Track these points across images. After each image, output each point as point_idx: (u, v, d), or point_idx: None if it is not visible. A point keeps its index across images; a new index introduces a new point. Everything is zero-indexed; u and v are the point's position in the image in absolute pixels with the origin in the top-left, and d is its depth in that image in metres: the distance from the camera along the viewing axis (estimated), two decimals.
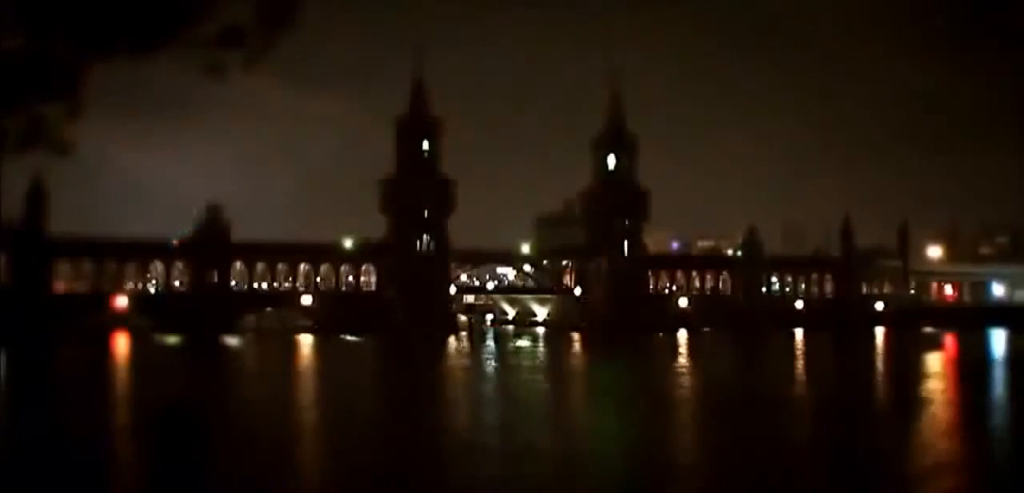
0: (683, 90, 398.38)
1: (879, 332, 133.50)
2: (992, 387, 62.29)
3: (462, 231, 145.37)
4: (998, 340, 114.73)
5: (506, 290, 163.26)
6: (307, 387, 62.11)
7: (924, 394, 54.74)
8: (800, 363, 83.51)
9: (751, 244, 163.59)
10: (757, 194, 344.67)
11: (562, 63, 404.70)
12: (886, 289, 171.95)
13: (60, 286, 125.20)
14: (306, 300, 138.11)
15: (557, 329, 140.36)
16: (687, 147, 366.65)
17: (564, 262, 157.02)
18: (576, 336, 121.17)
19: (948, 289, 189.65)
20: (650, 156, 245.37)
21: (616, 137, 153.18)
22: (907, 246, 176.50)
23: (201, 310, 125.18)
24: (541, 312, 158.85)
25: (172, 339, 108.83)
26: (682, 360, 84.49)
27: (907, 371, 70.39)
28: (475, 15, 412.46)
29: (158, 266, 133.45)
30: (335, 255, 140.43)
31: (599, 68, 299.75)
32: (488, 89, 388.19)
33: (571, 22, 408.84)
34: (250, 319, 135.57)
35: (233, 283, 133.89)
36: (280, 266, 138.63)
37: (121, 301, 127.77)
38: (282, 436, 37.57)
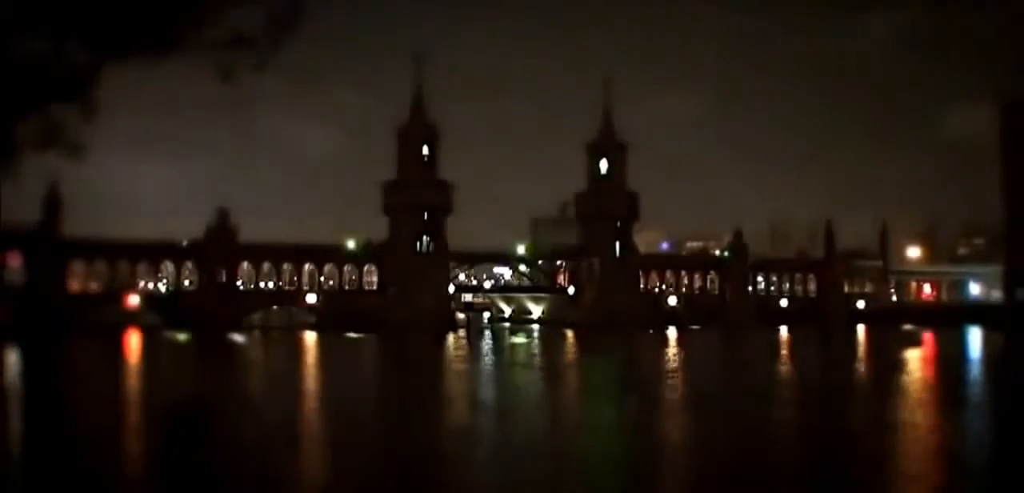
0: (676, 93, 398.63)
1: (860, 329, 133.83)
2: (967, 378, 62.66)
3: (460, 232, 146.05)
4: (974, 338, 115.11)
5: (503, 289, 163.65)
6: (310, 381, 62.37)
7: (902, 382, 55.15)
8: (783, 357, 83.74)
9: (737, 245, 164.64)
10: (745, 195, 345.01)
11: (556, 69, 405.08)
12: (867, 288, 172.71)
13: (74, 285, 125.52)
14: (310, 299, 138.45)
15: (552, 326, 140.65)
16: (680, 149, 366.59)
17: (558, 262, 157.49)
18: (570, 333, 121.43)
19: (927, 288, 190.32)
20: (644, 158, 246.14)
21: (608, 142, 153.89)
22: (887, 246, 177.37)
23: (209, 308, 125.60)
24: (536, 310, 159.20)
25: (182, 336, 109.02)
26: (670, 354, 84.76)
27: (886, 363, 70.71)
28: (473, 20, 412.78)
29: (169, 266, 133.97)
30: (338, 255, 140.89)
31: (592, 74, 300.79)
32: (485, 93, 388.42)
33: (566, 29, 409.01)
34: (256, 317, 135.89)
35: (240, 282, 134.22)
36: (285, 266, 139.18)
37: (133, 300, 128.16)
38: (284, 429, 37.83)
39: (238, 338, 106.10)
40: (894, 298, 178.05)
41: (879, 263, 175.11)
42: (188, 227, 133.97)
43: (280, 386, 56.59)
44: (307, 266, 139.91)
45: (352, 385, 57.65)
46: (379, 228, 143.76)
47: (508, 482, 27.63)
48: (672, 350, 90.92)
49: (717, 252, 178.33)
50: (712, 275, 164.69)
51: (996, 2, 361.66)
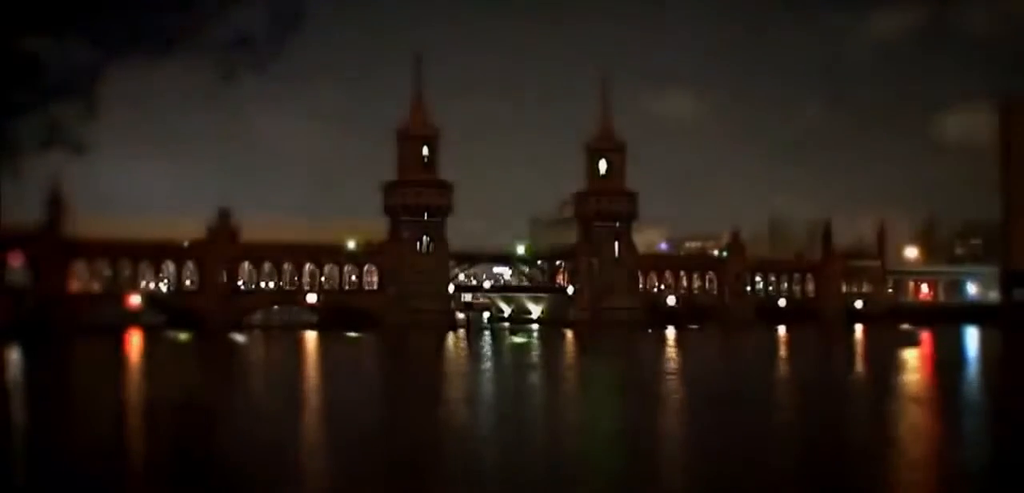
0: (676, 93, 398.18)
1: (858, 329, 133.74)
2: (965, 378, 62.69)
3: (460, 232, 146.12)
4: (971, 337, 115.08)
5: (502, 289, 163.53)
6: (311, 382, 62.33)
7: (900, 383, 55.13)
8: (781, 358, 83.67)
9: (735, 245, 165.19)
10: (744, 195, 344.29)
11: (556, 69, 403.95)
12: (865, 288, 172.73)
13: (76, 285, 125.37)
14: (311, 298, 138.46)
15: (551, 326, 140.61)
16: (679, 149, 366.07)
17: (557, 262, 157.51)
18: (569, 333, 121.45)
19: (924, 288, 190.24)
20: (643, 158, 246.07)
21: (607, 142, 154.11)
22: (885, 246, 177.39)
23: (211, 308, 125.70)
24: (536, 309, 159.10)
25: (183, 336, 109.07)
26: (669, 355, 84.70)
27: (884, 363, 70.65)
28: (473, 20, 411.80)
29: (170, 266, 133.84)
30: (338, 255, 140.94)
31: (592, 73, 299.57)
32: (485, 93, 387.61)
33: (566, 29, 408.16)
34: (257, 316, 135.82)
35: (241, 282, 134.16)
36: (286, 266, 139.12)
37: (135, 299, 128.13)
38: (285, 429, 37.82)
39: (239, 338, 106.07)
40: (891, 296, 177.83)
41: (877, 263, 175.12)
42: (189, 227, 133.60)
43: (280, 387, 56.52)
44: (307, 266, 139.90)
45: (352, 386, 57.60)
46: (379, 228, 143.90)
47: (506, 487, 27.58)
48: (671, 350, 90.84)
49: (716, 252, 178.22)
50: (710, 275, 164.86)
51: (996, 2, 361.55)
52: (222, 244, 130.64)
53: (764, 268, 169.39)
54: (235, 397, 49.90)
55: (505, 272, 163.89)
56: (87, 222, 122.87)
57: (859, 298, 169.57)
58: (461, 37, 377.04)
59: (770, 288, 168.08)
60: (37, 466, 29.65)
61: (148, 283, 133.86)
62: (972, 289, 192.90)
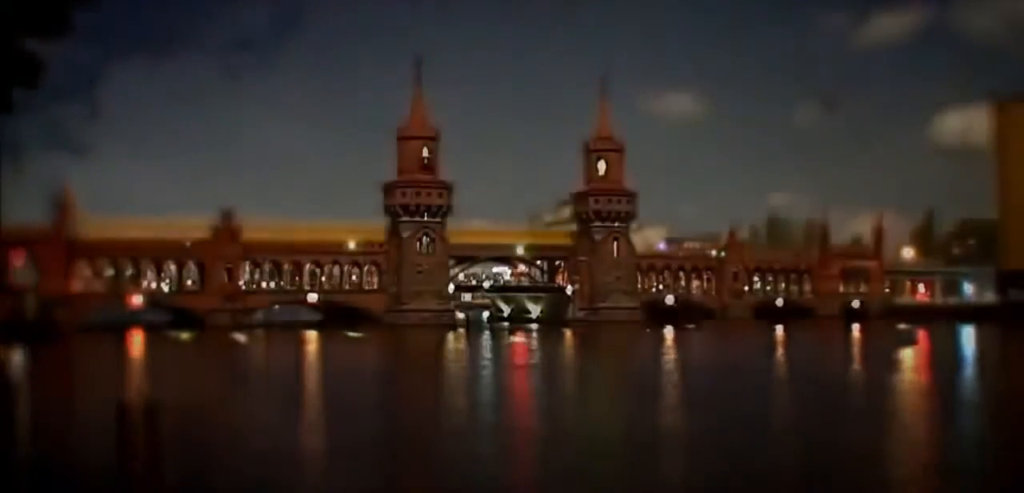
0: (675, 93, 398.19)
1: (856, 328, 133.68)
2: (963, 376, 62.67)
3: (459, 232, 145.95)
4: (968, 336, 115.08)
5: (502, 289, 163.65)
6: (313, 380, 62.35)
7: (898, 382, 55.10)
8: (779, 357, 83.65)
9: (733, 245, 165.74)
10: (743, 194, 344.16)
11: (556, 69, 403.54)
12: (862, 288, 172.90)
13: (78, 285, 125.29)
14: (311, 298, 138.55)
15: (550, 326, 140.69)
16: (678, 149, 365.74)
17: (556, 262, 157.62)
18: (568, 333, 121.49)
19: (921, 288, 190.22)
20: (642, 158, 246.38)
21: (606, 141, 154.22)
22: (882, 246, 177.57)
23: (212, 307, 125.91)
24: (535, 309, 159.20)
25: (184, 335, 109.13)
26: (667, 354, 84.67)
27: (882, 362, 70.63)
28: (471, 22, 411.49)
29: (171, 266, 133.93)
30: (339, 255, 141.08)
31: (592, 73, 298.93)
32: (485, 93, 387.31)
33: (565, 29, 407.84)
34: (258, 315, 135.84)
35: (242, 282, 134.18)
36: (286, 266, 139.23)
37: (137, 299, 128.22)
38: (286, 429, 37.78)
39: (240, 337, 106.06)
40: (888, 296, 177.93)
41: (874, 263, 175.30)
42: (190, 227, 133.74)
43: (281, 387, 56.53)
44: (308, 266, 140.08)
45: (353, 386, 57.58)
46: (379, 228, 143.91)
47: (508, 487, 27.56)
48: (669, 350, 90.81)
49: (714, 252, 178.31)
50: (709, 275, 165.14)
51: (995, 3, 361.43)
52: (223, 244, 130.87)
53: (762, 268, 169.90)
54: (236, 397, 49.83)
55: (505, 272, 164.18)
56: (89, 222, 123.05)
57: (856, 297, 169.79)
58: (461, 37, 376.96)
59: (768, 288, 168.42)
60: (35, 466, 29.51)
61: (150, 283, 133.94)
62: (969, 289, 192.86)
